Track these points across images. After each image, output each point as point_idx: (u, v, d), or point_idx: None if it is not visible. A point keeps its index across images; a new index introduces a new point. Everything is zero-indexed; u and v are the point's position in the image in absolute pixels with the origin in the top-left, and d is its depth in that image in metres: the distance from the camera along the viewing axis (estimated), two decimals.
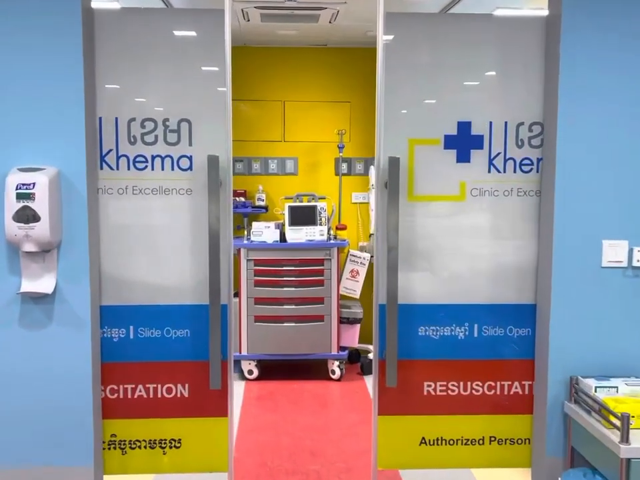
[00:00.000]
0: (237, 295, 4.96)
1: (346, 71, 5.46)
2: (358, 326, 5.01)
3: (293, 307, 4.89)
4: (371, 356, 5.08)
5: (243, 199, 5.37)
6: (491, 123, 2.75)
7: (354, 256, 5.02)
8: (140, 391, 2.76)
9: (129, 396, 2.76)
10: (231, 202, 2.72)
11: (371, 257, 5.12)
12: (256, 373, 4.95)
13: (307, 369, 5.18)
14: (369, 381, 4.94)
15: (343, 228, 5.17)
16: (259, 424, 4.16)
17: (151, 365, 2.76)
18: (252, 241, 4.90)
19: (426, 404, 2.83)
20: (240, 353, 4.91)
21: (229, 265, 2.71)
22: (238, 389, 4.77)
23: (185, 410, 2.77)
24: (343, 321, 4.95)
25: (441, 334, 2.81)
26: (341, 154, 5.30)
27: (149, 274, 2.74)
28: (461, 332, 2.81)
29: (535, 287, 2.81)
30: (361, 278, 5.01)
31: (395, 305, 2.71)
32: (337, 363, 4.95)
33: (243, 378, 4.96)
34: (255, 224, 5.00)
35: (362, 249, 5.28)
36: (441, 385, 2.82)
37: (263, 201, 5.38)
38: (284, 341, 4.89)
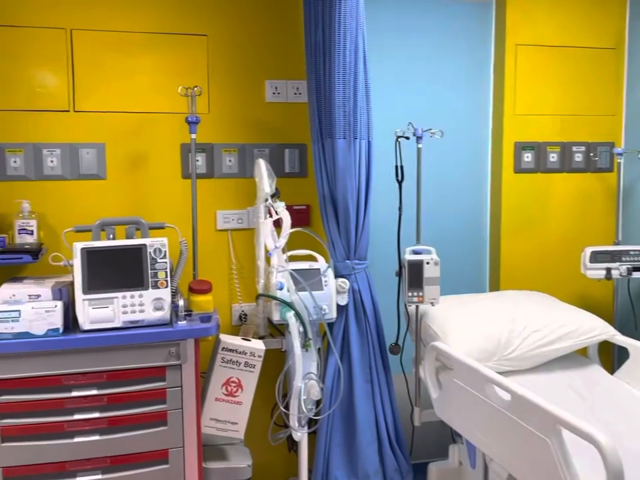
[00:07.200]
0: None
1: None
2: None
3: (99, 477, 2.20)
4: None
5: None
6: None
7: (230, 350, 2.40)
8: None
9: None
10: None
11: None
12: None
13: None
14: None
15: (204, 290, 2.49)
16: None
17: None
18: None
19: None
20: None
21: None
22: None
23: None
24: None
25: None
26: (193, 136, 2.65)
27: None
28: None
29: None
30: (247, 396, 2.40)
31: None
32: None
33: None
34: (3, 289, 2.22)
35: (244, 328, 2.67)
36: None
37: (32, 234, 2.59)
38: None
